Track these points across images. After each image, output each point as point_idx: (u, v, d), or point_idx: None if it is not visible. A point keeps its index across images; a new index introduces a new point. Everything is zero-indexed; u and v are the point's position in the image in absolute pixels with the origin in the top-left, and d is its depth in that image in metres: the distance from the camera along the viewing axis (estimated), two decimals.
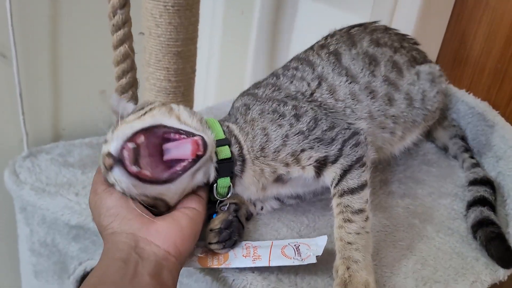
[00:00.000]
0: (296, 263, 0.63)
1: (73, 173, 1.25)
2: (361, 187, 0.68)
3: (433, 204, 0.80)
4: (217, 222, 0.68)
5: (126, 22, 0.76)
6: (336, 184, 0.69)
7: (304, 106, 0.73)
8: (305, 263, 0.63)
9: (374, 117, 0.79)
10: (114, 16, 0.75)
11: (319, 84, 0.78)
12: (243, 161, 0.68)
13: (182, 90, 1.17)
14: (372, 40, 0.85)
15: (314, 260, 0.63)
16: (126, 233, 0.59)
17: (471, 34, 1.02)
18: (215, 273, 0.66)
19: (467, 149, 0.90)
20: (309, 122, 0.70)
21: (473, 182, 0.81)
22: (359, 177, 0.69)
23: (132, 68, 0.80)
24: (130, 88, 0.81)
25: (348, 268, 0.61)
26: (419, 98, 0.84)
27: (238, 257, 0.65)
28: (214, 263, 0.66)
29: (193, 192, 0.67)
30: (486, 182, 0.80)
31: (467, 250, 0.71)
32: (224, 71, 1.56)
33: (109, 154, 0.58)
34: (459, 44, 1.06)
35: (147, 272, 0.55)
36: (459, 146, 0.91)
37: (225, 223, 0.68)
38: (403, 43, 0.88)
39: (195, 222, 0.63)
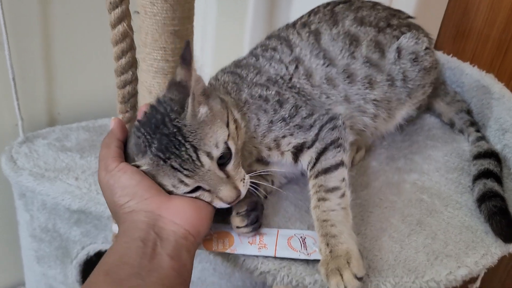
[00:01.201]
0: (302, 256, 0.63)
1: (71, 157, 1.24)
2: (336, 166, 0.68)
3: (440, 179, 0.80)
4: (243, 204, 0.66)
5: None
6: (312, 167, 0.70)
7: (286, 93, 0.73)
8: (311, 258, 0.63)
9: (352, 101, 0.79)
10: None
11: (296, 67, 0.77)
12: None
13: None
14: (355, 19, 0.83)
15: (319, 257, 0.62)
16: (145, 211, 0.57)
17: (474, 4, 1.00)
18: (224, 254, 0.65)
19: (473, 123, 0.89)
20: (290, 109, 0.71)
21: (477, 156, 0.81)
22: (334, 157, 0.69)
23: (132, 48, 0.78)
24: (130, 68, 0.79)
25: (327, 245, 0.61)
26: (400, 78, 0.83)
27: (244, 244, 0.65)
28: (219, 247, 0.65)
29: None
30: (491, 154, 0.80)
31: (476, 223, 0.71)
32: (220, 50, 1.53)
33: None
34: (462, 16, 1.04)
35: (166, 253, 0.54)
36: (465, 120, 0.90)
37: (251, 204, 0.66)
38: (391, 21, 0.85)
39: (208, 204, 0.62)
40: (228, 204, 0.62)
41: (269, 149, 0.71)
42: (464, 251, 0.66)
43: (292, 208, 0.73)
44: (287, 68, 0.77)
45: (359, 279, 0.58)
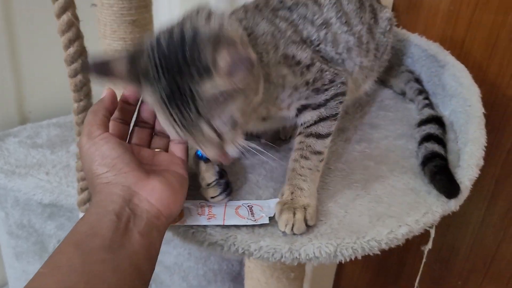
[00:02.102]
0: (250, 223, 0.65)
1: (42, 153, 1.26)
2: (328, 134, 0.71)
3: (389, 146, 0.82)
4: (209, 174, 0.67)
5: None
6: (307, 127, 0.70)
7: (314, 56, 0.70)
8: (258, 223, 0.65)
9: (356, 71, 0.78)
10: None
11: (326, 34, 0.73)
12: None
13: None
14: None
15: (266, 221, 0.65)
16: (122, 185, 0.57)
17: None
18: (172, 229, 0.67)
19: (421, 91, 0.91)
20: (316, 72, 0.69)
21: (420, 123, 0.83)
22: (330, 127, 0.71)
23: (79, 37, 0.79)
24: (79, 57, 0.80)
25: (292, 193, 0.66)
26: (382, 51, 0.85)
27: (193, 215, 0.67)
28: None
29: (176, 153, 0.66)
30: (431, 119, 0.82)
31: (420, 185, 0.73)
32: None
33: None
34: None
35: (138, 230, 0.54)
36: (414, 89, 0.93)
37: (217, 173, 0.68)
38: None
39: (184, 187, 0.63)
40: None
41: (280, 109, 0.70)
42: (406, 211, 0.68)
43: (242, 179, 0.75)
44: (318, 33, 0.72)
45: (308, 227, 0.64)
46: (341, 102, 0.71)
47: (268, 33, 0.67)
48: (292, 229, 0.64)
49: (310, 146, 0.69)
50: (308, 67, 0.68)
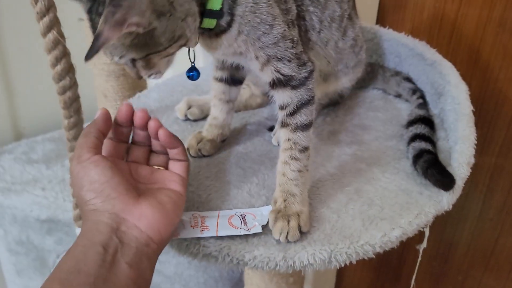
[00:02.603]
0: (243, 232, 0.65)
1: (38, 169, 1.26)
2: (310, 124, 0.69)
3: (380, 147, 0.82)
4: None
5: (50, 7, 0.75)
6: (290, 114, 0.69)
7: (299, 20, 0.69)
8: (251, 232, 0.65)
9: (330, 47, 0.78)
10: (36, 3, 0.73)
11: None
12: (231, 21, 0.63)
13: None
14: None
15: (259, 230, 0.65)
16: (109, 213, 0.55)
17: None
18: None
19: (415, 91, 0.91)
20: (296, 35, 0.67)
21: (407, 124, 0.84)
22: (311, 114, 0.69)
23: (65, 54, 0.79)
24: (67, 74, 0.80)
25: (285, 200, 0.67)
26: (359, 46, 0.85)
27: (187, 228, 0.67)
28: None
29: (175, 171, 0.66)
30: (418, 120, 0.82)
31: (412, 185, 0.74)
32: None
33: None
34: None
35: (126, 261, 0.52)
36: (407, 90, 0.93)
37: None
38: None
39: (179, 206, 0.61)
40: None
41: (256, 58, 0.67)
42: (398, 213, 0.69)
43: (235, 191, 0.75)
44: None
45: (301, 234, 0.64)
46: (314, 81, 0.69)
47: None
48: (286, 237, 0.64)
49: (297, 143, 0.68)
50: (293, 24, 0.67)
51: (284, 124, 0.70)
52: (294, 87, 0.68)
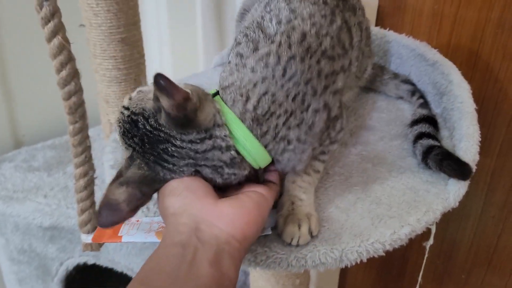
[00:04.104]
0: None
1: (39, 176, 1.25)
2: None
3: (385, 147, 0.83)
4: None
5: (55, 13, 0.75)
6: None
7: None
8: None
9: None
10: (41, 9, 0.73)
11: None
12: None
13: (134, 76, 1.17)
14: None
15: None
16: (188, 214, 0.54)
17: None
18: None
19: (414, 92, 0.93)
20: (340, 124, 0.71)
21: (411, 124, 0.85)
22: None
23: (70, 59, 0.79)
24: (72, 79, 0.80)
25: (293, 203, 0.66)
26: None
27: (134, 231, 0.67)
28: (110, 238, 0.68)
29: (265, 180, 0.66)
30: (422, 119, 0.83)
31: (418, 183, 0.74)
32: (176, 51, 1.56)
33: None
34: None
35: (207, 259, 0.50)
36: (407, 92, 0.94)
37: None
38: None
39: (261, 207, 0.59)
40: None
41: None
42: (406, 211, 0.69)
43: None
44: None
45: (311, 236, 0.64)
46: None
47: None
48: (297, 242, 0.64)
49: (313, 165, 0.71)
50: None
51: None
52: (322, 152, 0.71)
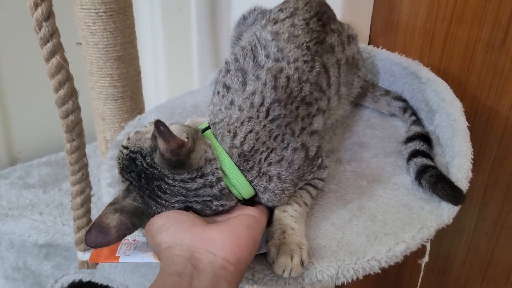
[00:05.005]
0: None
1: (34, 193, 1.25)
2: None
3: (379, 164, 0.84)
4: None
5: (54, 33, 0.76)
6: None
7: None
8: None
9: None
10: (40, 29, 0.75)
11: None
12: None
13: (130, 94, 1.18)
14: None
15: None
16: (180, 245, 0.55)
17: None
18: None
19: (405, 109, 0.94)
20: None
21: (406, 141, 0.86)
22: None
23: (68, 78, 0.81)
24: (70, 98, 0.82)
25: (284, 232, 0.66)
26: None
27: (130, 251, 0.67)
28: (108, 258, 0.67)
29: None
30: (416, 137, 0.85)
31: (413, 200, 0.75)
32: (171, 68, 1.57)
33: None
34: (389, 10, 1.10)
35: (203, 286, 0.51)
36: (399, 109, 0.96)
37: None
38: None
39: (252, 229, 0.60)
40: None
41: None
42: (401, 228, 0.70)
43: None
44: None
45: (302, 266, 0.63)
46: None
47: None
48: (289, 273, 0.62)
49: (303, 197, 0.72)
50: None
51: None
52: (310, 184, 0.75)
